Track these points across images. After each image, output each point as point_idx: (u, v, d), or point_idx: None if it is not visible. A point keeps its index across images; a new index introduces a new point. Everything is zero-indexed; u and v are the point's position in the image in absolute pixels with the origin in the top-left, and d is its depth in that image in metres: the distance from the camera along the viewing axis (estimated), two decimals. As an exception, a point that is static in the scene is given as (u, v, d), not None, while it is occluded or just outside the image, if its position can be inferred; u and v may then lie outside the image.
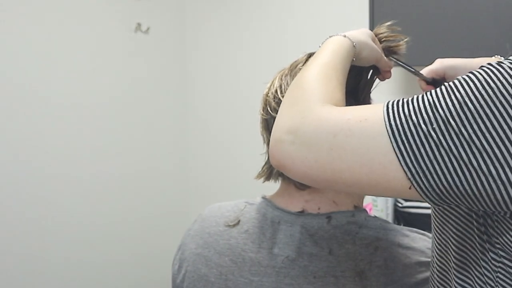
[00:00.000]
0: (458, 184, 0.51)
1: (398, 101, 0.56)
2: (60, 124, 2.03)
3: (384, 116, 0.55)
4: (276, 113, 0.78)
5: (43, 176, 1.99)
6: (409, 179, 0.53)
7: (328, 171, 0.57)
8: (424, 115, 0.52)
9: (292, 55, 0.89)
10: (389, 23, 0.85)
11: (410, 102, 0.55)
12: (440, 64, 0.85)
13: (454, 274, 0.63)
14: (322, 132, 0.57)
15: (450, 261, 0.64)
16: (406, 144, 0.53)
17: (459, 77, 0.54)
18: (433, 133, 0.51)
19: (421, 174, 0.52)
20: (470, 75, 0.53)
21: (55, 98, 2.02)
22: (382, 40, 0.84)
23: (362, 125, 0.55)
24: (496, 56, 0.84)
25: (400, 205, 1.69)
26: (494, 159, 0.49)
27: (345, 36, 0.74)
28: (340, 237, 0.78)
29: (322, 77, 0.66)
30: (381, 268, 0.76)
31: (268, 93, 0.83)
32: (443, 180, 0.51)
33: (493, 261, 0.58)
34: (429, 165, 0.51)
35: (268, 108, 0.82)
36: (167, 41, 2.45)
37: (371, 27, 1.68)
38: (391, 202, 1.67)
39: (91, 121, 2.14)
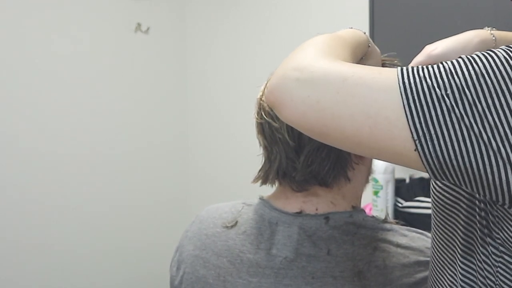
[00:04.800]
0: (464, 154, 0.50)
1: (413, 67, 0.55)
2: (60, 123, 2.04)
3: (398, 74, 0.53)
4: (270, 118, 0.78)
5: (42, 168, 1.99)
6: (414, 140, 0.51)
7: (328, 116, 0.54)
8: (439, 80, 0.51)
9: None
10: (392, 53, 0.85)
11: (425, 68, 0.53)
12: (428, 58, 0.76)
13: (460, 272, 0.63)
14: (332, 74, 0.54)
15: (456, 257, 0.64)
16: (417, 104, 0.51)
17: (478, 52, 0.53)
18: (446, 98, 0.50)
19: (427, 137, 0.50)
20: (490, 52, 0.52)
21: (55, 98, 2.02)
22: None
23: (374, 76, 0.54)
24: (486, 28, 0.82)
25: (400, 205, 1.68)
26: (504, 137, 0.48)
27: (364, 33, 0.74)
28: (338, 237, 0.78)
29: (337, 42, 0.64)
30: (380, 268, 0.76)
31: (262, 96, 0.81)
32: (450, 147, 0.50)
33: (493, 256, 0.58)
34: (438, 130, 0.50)
35: (262, 113, 0.80)
36: (167, 41, 2.44)
37: (371, 27, 1.69)
38: (391, 202, 1.67)
39: (91, 121, 2.14)
